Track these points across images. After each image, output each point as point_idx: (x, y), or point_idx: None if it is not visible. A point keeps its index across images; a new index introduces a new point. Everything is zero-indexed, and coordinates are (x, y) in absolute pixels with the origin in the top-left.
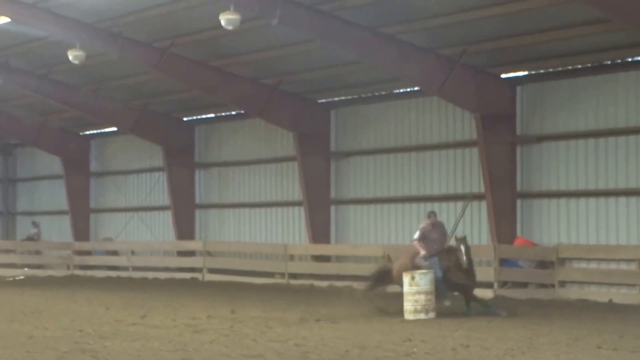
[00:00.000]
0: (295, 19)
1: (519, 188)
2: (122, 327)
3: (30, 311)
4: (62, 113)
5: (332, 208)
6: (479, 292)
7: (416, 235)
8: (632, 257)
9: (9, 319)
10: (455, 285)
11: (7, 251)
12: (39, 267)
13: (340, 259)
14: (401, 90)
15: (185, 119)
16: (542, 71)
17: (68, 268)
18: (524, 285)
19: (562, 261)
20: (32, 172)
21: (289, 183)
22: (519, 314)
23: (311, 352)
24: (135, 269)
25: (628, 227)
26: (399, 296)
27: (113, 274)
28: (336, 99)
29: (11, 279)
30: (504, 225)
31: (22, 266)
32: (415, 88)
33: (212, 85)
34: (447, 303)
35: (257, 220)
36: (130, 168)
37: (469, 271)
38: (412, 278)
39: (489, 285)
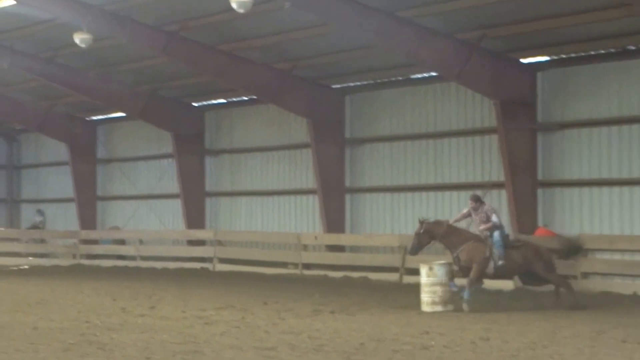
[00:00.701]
0: (309, 2)
1: (539, 176)
2: (130, 318)
3: (35, 301)
4: (68, 98)
5: (347, 196)
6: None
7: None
8: None
9: (13, 310)
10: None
11: (12, 240)
12: (43, 256)
13: (354, 249)
14: (418, 76)
15: (195, 104)
16: (563, 56)
17: (74, 257)
18: None
19: (585, 252)
20: (37, 159)
21: (302, 170)
22: (542, 307)
23: (325, 345)
24: (144, 258)
25: None
26: (416, 288)
27: (120, 263)
28: (351, 84)
29: (15, 268)
30: (524, 215)
31: (27, 255)
32: (433, 73)
33: (223, 70)
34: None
35: (270, 208)
36: (139, 155)
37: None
38: (430, 269)
39: None
